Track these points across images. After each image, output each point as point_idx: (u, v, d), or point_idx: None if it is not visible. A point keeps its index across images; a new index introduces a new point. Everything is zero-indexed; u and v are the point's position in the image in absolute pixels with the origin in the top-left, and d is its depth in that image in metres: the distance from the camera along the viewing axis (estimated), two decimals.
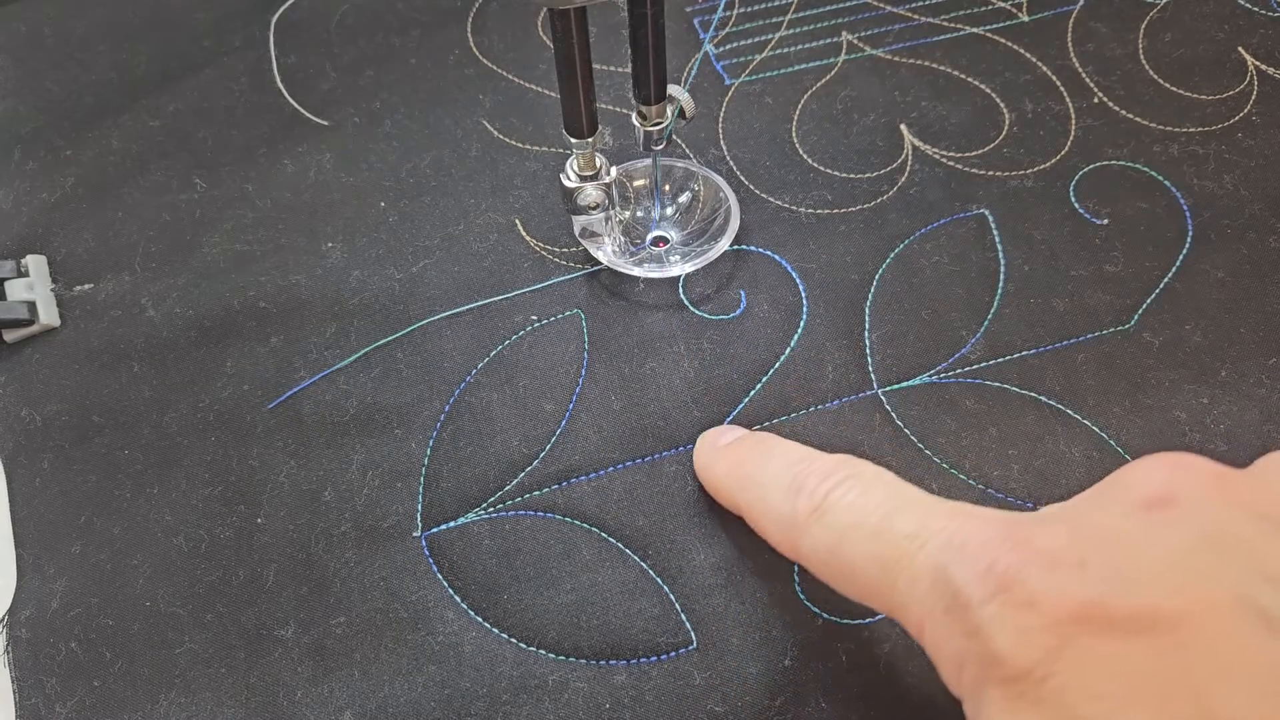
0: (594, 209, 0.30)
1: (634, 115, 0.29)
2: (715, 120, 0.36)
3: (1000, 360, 0.31)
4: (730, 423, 0.29)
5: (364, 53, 0.39)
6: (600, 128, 0.29)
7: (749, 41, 0.39)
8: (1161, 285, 0.32)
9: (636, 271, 0.32)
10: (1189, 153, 0.35)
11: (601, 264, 0.32)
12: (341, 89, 0.38)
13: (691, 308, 0.31)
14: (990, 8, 0.40)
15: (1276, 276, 0.32)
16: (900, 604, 0.20)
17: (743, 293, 0.32)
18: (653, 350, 0.31)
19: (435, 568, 0.27)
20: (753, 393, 0.30)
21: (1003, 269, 0.32)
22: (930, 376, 0.30)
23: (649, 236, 0.34)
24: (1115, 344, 0.31)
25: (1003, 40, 0.39)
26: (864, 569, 0.21)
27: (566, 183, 0.30)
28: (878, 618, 0.26)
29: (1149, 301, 0.32)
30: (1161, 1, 0.40)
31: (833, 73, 0.38)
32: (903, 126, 0.36)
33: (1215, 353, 0.31)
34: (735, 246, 0.33)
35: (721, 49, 0.39)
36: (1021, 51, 0.39)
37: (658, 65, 0.27)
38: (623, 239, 0.33)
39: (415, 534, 0.28)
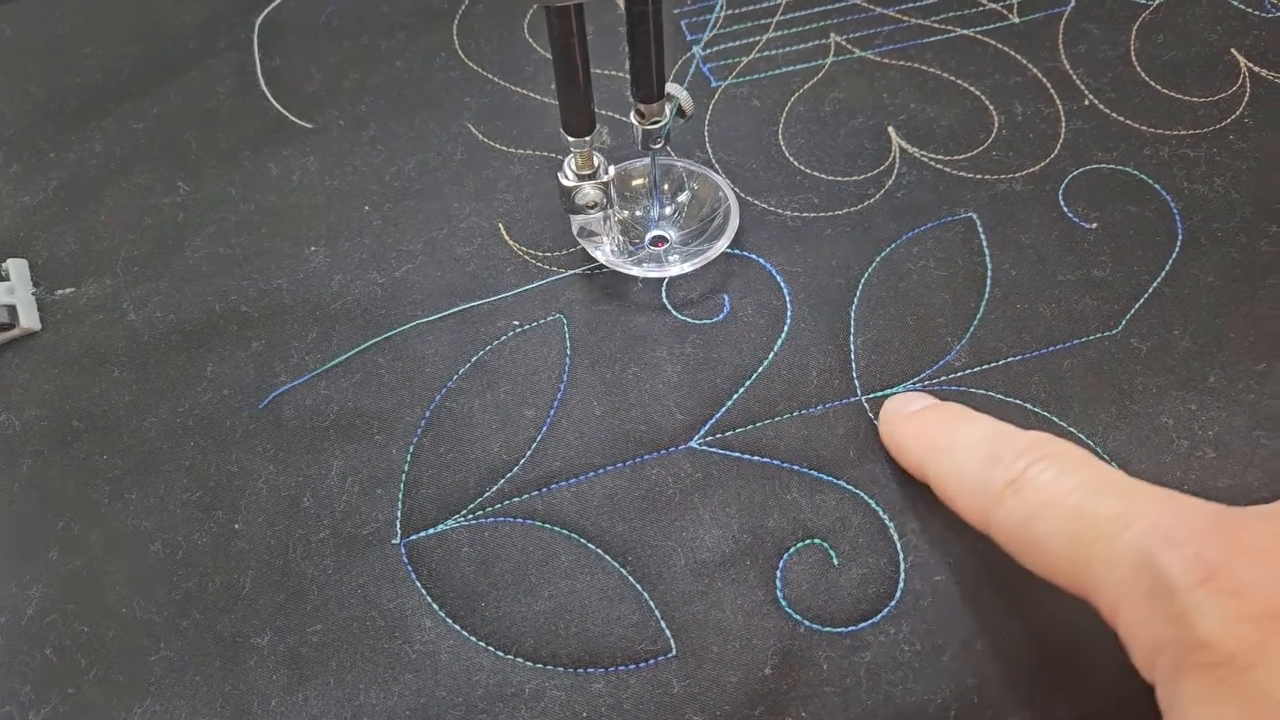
0: (592, 208, 0.30)
1: (632, 114, 0.29)
2: (701, 123, 0.36)
3: (985, 367, 0.30)
4: (712, 425, 0.29)
5: (349, 55, 0.39)
6: (598, 126, 0.28)
7: (736, 44, 0.39)
8: (1150, 290, 0.32)
9: (635, 271, 0.32)
10: (1180, 156, 0.35)
11: (596, 264, 0.32)
12: (326, 92, 0.38)
13: (674, 312, 0.31)
14: (980, 9, 0.40)
15: (1267, 280, 0.32)
16: (1095, 585, 0.20)
17: (726, 297, 0.31)
18: (635, 355, 0.30)
19: (414, 575, 0.27)
20: (735, 396, 0.29)
21: (990, 274, 0.32)
22: (914, 384, 0.30)
23: (647, 236, 0.34)
24: (1102, 350, 0.30)
25: (993, 42, 0.39)
26: (1057, 546, 0.21)
27: (564, 182, 0.30)
28: (859, 626, 0.26)
29: (1137, 307, 0.31)
30: (1154, 3, 0.40)
31: (820, 75, 0.38)
32: (890, 129, 0.36)
33: (1204, 358, 0.30)
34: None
35: (708, 51, 0.38)
36: (1012, 53, 0.38)
37: (657, 63, 0.27)
38: (621, 238, 0.33)
39: (394, 541, 0.27)
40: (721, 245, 0.32)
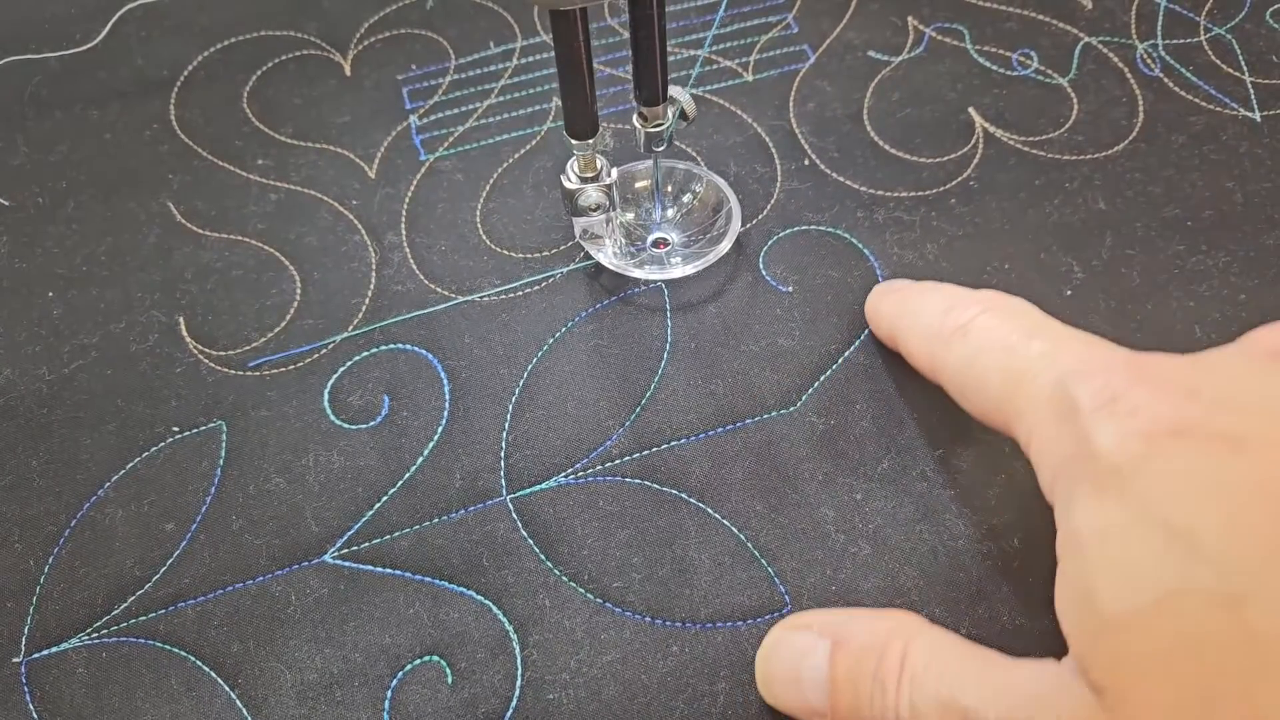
0: (595, 211, 0.31)
1: (635, 117, 0.30)
2: (401, 201, 0.36)
3: (645, 453, 0.30)
4: (348, 538, 0.29)
5: (59, 126, 0.38)
6: (601, 129, 0.29)
7: (455, 112, 0.38)
8: (839, 362, 0.32)
9: (637, 273, 0.33)
10: (895, 219, 0.35)
11: (586, 266, 0.33)
12: (30, 166, 0.37)
13: (331, 416, 0.31)
14: (715, 68, 0.40)
15: None
16: (1017, 414, 0.23)
17: (386, 398, 0.31)
18: (284, 464, 0.30)
19: (28, 697, 0.27)
20: (375, 507, 0.29)
21: (668, 348, 0.32)
22: (565, 476, 0.30)
23: (649, 238, 0.34)
24: (774, 429, 0.30)
25: (721, 101, 0.38)
26: (993, 380, 0.24)
27: (567, 184, 0.30)
28: None
29: (820, 381, 0.31)
30: (896, 60, 0.39)
31: (534, 142, 0.37)
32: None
33: (881, 440, 0.30)
34: (391, 346, 0.32)
35: (425, 120, 0.38)
36: (738, 112, 0.38)
37: (660, 67, 0.28)
38: (623, 241, 0.34)
39: (15, 659, 0.28)
40: (724, 247, 0.33)
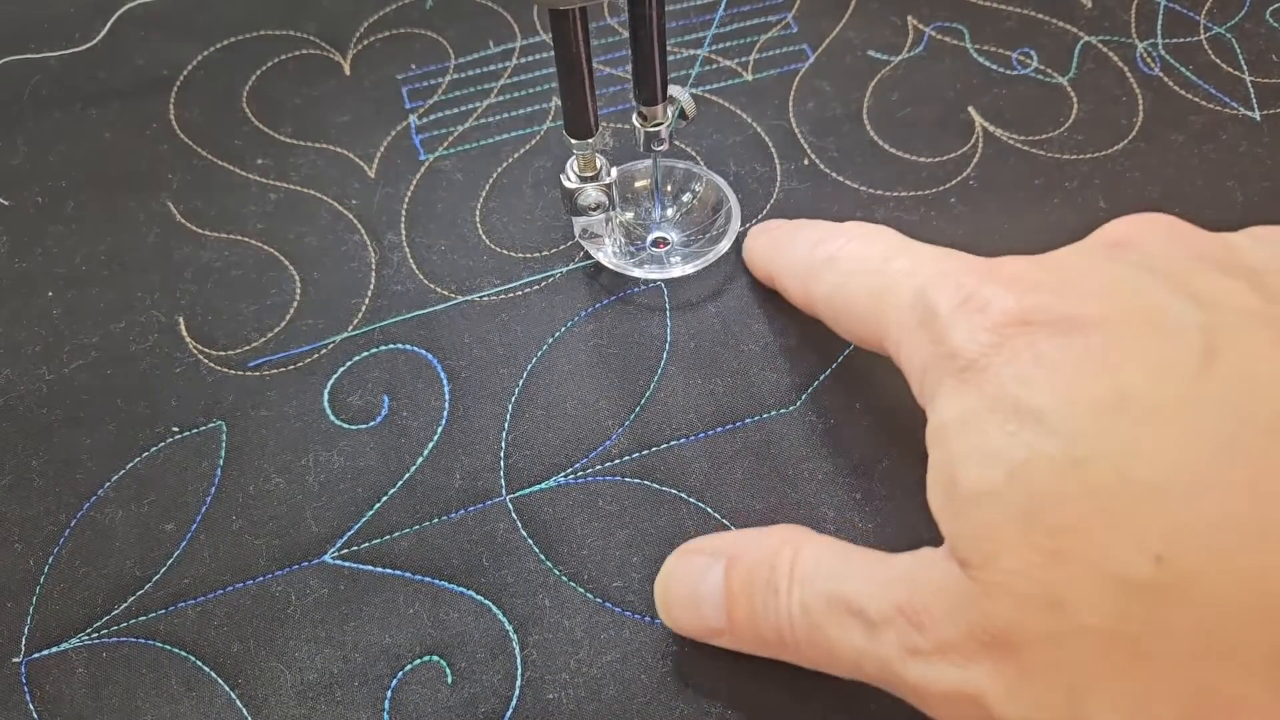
0: (594, 210, 0.31)
1: (634, 116, 0.30)
2: (401, 200, 0.36)
3: (645, 453, 0.30)
4: (349, 538, 0.29)
5: (59, 125, 0.38)
6: (601, 128, 0.29)
7: (454, 111, 0.38)
8: (838, 360, 0.32)
9: (637, 273, 0.33)
10: (894, 218, 0.35)
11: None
12: (30, 165, 0.37)
13: (331, 416, 0.31)
14: (714, 67, 0.40)
15: None
16: (885, 328, 0.24)
17: (386, 398, 0.31)
18: (283, 464, 0.30)
19: (28, 697, 0.27)
20: (375, 507, 0.29)
21: (668, 348, 0.32)
22: (565, 476, 0.30)
23: (649, 238, 0.34)
24: (775, 429, 0.30)
25: (720, 101, 0.38)
26: (861, 301, 0.26)
27: (567, 184, 0.30)
28: None
29: (820, 380, 0.31)
30: (895, 59, 0.39)
31: (533, 142, 0.37)
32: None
33: (882, 439, 0.30)
34: (390, 346, 0.32)
35: (425, 120, 0.38)
36: (738, 112, 0.38)
37: (659, 66, 0.28)
38: (623, 240, 0.34)
39: (15, 659, 0.28)
40: (723, 247, 0.33)
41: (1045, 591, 0.18)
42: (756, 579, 0.24)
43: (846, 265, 0.27)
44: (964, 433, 0.20)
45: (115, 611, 0.28)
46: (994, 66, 0.39)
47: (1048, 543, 0.18)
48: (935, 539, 0.28)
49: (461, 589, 0.28)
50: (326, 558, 0.29)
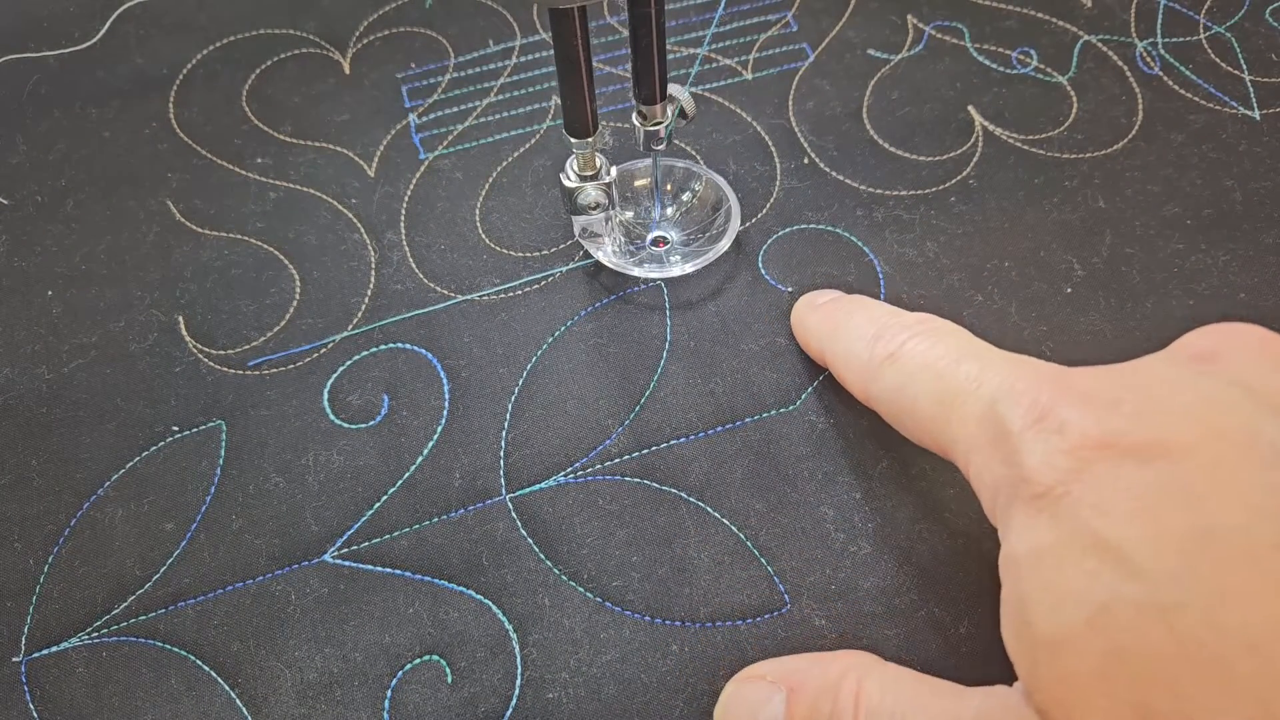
0: (594, 209, 0.31)
1: (634, 115, 0.30)
2: (400, 200, 0.36)
3: (645, 452, 0.30)
4: (348, 537, 0.29)
5: (58, 124, 0.38)
6: (601, 127, 0.29)
7: (454, 110, 0.38)
8: None
9: (636, 272, 0.33)
10: (894, 217, 0.35)
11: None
12: (29, 164, 0.37)
13: (330, 415, 0.31)
14: (714, 66, 0.40)
15: None
16: (952, 439, 0.23)
17: (385, 398, 0.31)
18: (283, 463, 0.30)
19: (28, 696, 0.27)
20: (375, 506, 0.29)
21: (667, 347, 0.32)
22: (565, 475, 0.30)
23: (649, 237, 0.34)
24: (774, 428, 0.30)
25: (720, 100, 0.38)
26: (925, 407, 0.24)
27: (566, 183, 0.30)
28: None
29: (820, 379, 0.31)
30: (895, 58, 0.39)
31: (533, 141, 0.37)
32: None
33: (881, 438, 0.30)
34: (390, 345, 0.32)
35: (424, 119, 0.38)
36: (738, 111, 0.38)
37: (659, 65, 0.28)
38: (622, 239, 0.34)
39: (15, 659, 0.28)
40: (723, 245, 0.33)
41: None
42: (820, 711, 0.23)
43: (909, 364, 0.25)
44: (1039, 569, 0.19)
45: (115, 611, 0.28)
46: (994, 65, 0.39)
47: (1133, 697, 0.17)
48: (931, 539, 0.29)
49: (461, 588, 0.28)
50: (326, 557, 0.29)
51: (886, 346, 0.26)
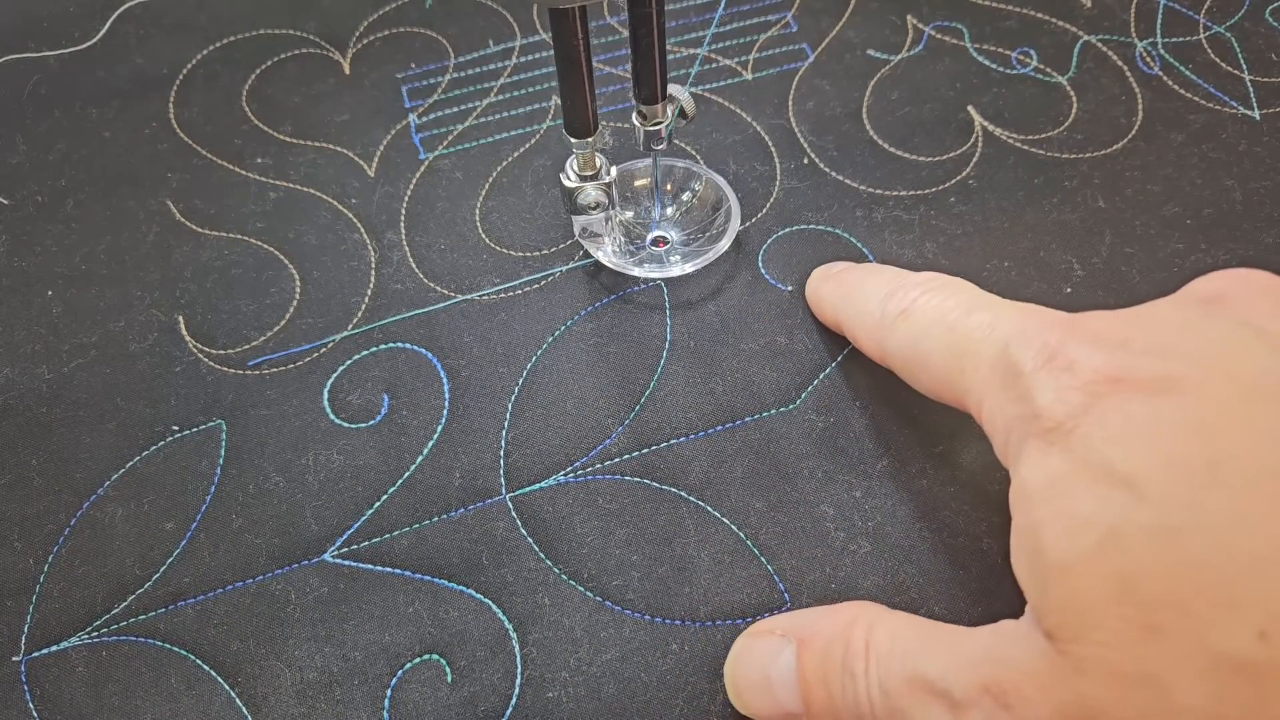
0: (594, 209, 0.31)
1: (634, 115, 0.30)
2: (400, 199, 0.36)
3: (644, 451, 0.30)
4: (348, 536, 0.29)
5: (58, 125, 0.38)
6: (601, 127, 0.29)
7: (454, 110, 0.38)
8: (838, 360, 0.32)
9: (636, 271, 0.33)
10: (894, 218, 0.35)
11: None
12: (29, 164, 0.37)
13: (330, 414, 0.31)
14: (714, 66, 0.40)
15: None
16: (966, 387, 0.24)
17: (385, 397, 0.31)
18: (283, 463, 0.30)
19: (28, 695, 0.27)
20: (375, 505, 0.29)
21: (667, 346, 0.32)
22: (565, 474, 0.30)
23: (649, 237, 0.34)
24: (774, 427, 0.30)
25: (720, 100, 0.38)
26: (939, 358, 0.25)
27: (566, 183, 0.30)
28: None
29: (819, 379, 0.31)
30: (895, 58, 0.39)
31: (533, 141, 0.37)
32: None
33: (880, 438, 0.30)
34: (390, 345, 0.32)
35: (424, 119, 0.38)
36: (737, 111, 0.38)
37: (659, 65, 0.28)
38: (622, 239, 0.34)
39: (15, 658, 0.28)
40: (723, 245, 0.33)
41: (1140, 669, 0.17)
42: (831, 661, 0.23)
43: (922, 319, 0.26)
44: (1051, 497, 0.20)
45: (115, 610, 0.28)
46: (993, 66, 0.39)
47: (1143, 616, 0.18)
48: (931, 537, 0.29)
49: (461, 587, 0.28)
50: (326, 556, 0.29)
51: (899, 303, 0.26)
